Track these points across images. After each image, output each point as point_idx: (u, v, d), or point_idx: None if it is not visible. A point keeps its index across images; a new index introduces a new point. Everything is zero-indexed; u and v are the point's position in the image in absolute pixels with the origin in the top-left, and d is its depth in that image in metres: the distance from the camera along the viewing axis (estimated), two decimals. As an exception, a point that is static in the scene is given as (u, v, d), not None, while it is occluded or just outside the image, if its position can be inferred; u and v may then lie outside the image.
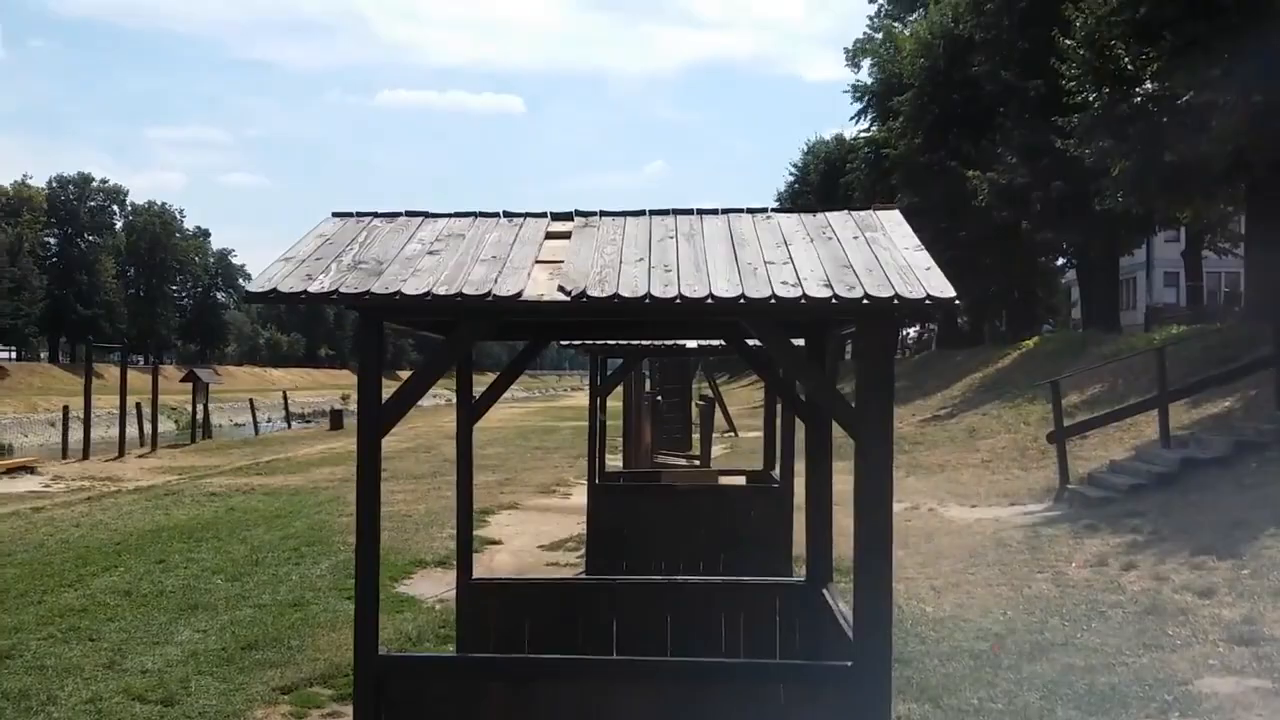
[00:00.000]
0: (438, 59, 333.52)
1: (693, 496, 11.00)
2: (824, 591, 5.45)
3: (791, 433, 9.62)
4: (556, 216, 4.59)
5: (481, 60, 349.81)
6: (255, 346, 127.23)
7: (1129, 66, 20.45)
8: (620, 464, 17.15)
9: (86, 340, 58.34)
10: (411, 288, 3.79)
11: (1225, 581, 9.27)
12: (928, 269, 3.81)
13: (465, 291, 3.76)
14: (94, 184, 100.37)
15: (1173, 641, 7.96)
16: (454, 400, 6.71)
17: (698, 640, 5.66)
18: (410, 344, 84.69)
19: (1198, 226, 34.54)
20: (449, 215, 4.63)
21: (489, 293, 3.75)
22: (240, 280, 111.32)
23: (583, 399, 20.52)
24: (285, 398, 57.06)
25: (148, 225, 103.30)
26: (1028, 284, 42.91)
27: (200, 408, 40.22)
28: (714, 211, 4.58)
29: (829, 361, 7.02)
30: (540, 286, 3.80)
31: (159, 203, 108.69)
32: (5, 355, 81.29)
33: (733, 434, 31.01)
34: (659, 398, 21.31)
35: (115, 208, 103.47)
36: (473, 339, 4.29)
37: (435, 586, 10.64)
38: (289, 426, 50.33)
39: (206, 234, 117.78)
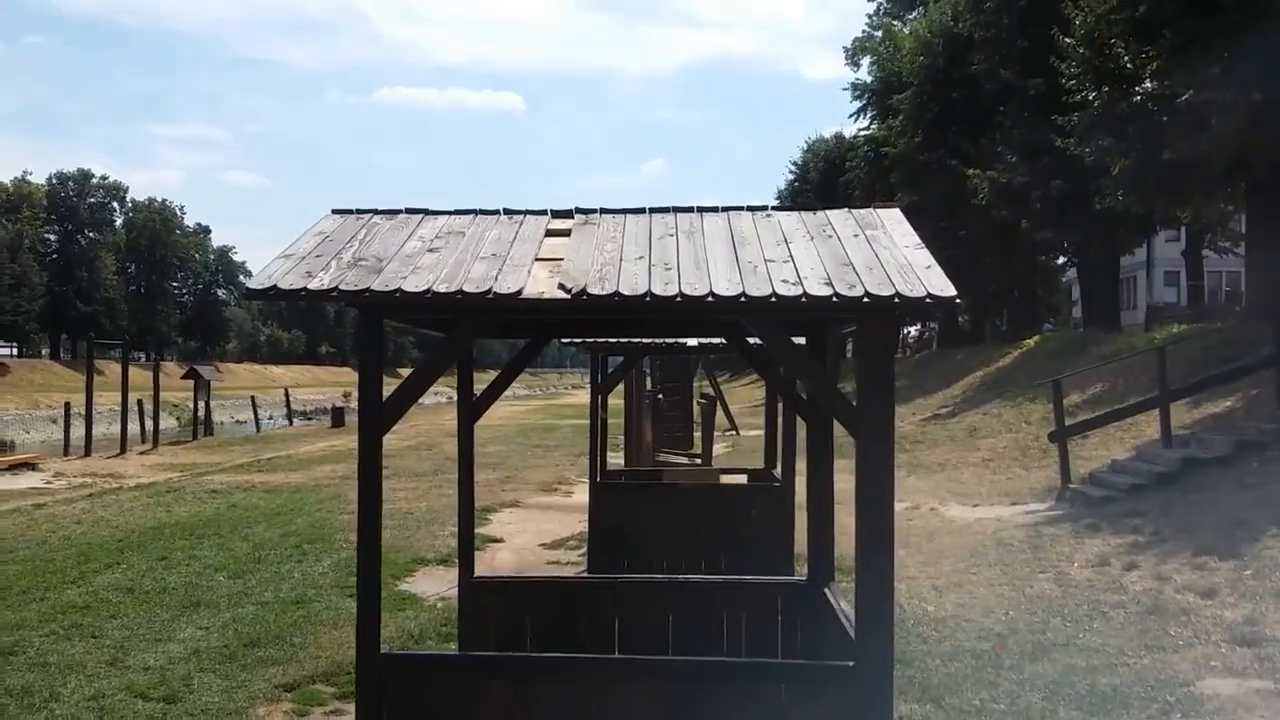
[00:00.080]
0: (438, 58, 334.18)
1: (694, 495, 10.98)
2: (825, 591, 5.44)
3: (793, 431, 9.63)
4: (557, 214, 4.57)
5: (481, 59, 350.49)
6: (256, 344, 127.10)
7: (1129, 65, 20.40)
8: (622, 462, 17.15)
9: (88, 337, 58.43)
10: (411, 285, 3.78)
11: (1227, 582, 9.26)
12: (928, 267, 3.80)
13: (465, 289, 3.75)
14: (94, 180, 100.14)
15: (1174, 642, 7.94)
16: (455, 398, 6.71)
17: (699, 639, 5.65)
18: (411, 342, 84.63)
19: (1198, 226, 34.48)
20: (449, 213, 4.61)
21: (489, 290, 3.74)
22: (240, 277, 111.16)
23: (584, 397, 20.53)
24: (287, 395, 57.18)
25: (148, 222, 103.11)
26: (1028, 283, 42.86)
27: (202, 405, 40.28)
28: (714, 209, 4.56)
29: (830, 360, 7.02)
30: (540, 284, 3.79)
31: (159, 199, 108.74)
32: (6, 352, 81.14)
33: (734, 432, 31.03)
34: (660, 396, 21.30)
35: (115, 204, 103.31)
36: (473, 337, 4.28)
37: (437, 584, 10.66)
38: (291, 424, 50.44)
39: (207, 231, 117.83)
